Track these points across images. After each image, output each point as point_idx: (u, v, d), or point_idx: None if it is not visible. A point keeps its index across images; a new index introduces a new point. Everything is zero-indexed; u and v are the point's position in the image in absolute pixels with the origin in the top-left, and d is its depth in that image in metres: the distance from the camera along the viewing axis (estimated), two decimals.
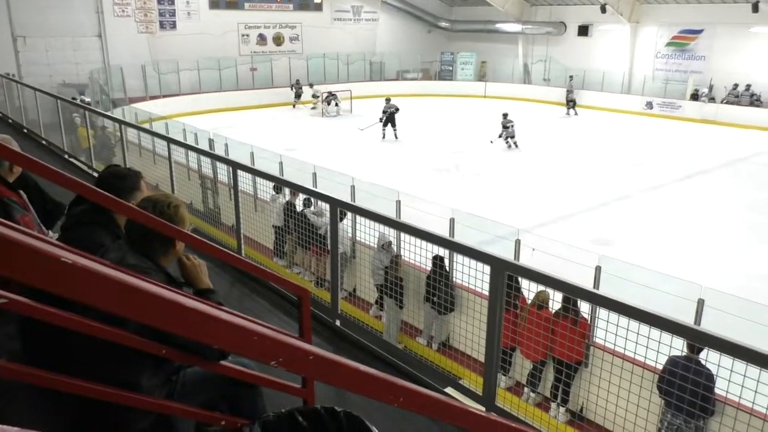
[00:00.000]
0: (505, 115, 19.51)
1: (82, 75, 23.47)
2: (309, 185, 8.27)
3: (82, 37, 24.53)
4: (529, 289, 4.38)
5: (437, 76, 35.03)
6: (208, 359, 2.16)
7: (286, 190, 8.31)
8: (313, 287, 7.30)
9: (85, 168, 9.81)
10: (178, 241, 2.37)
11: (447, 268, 5.90)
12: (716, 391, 4.18)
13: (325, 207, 5.28)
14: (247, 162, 9.53)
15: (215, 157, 8.05)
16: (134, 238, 2.31)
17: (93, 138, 10.89)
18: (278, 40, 30.70)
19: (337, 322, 4.81)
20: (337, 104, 25.71)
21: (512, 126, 19.22)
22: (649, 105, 26.89)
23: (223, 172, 8.20)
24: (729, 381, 2.78)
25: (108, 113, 13.19)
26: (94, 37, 24.99)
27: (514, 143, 19.29)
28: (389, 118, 20.48)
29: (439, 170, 16.47)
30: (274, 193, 8.52)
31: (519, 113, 26.95)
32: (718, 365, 2.86)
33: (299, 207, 7.90)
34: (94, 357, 1.97)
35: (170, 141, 7.68)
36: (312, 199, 7.82)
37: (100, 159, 10.40)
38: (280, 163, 11.51)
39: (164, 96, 25.00)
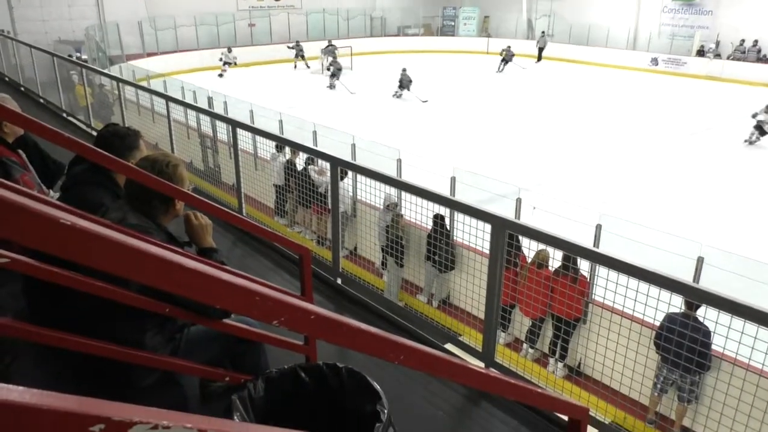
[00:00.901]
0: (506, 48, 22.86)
1: (77, 32, 23.09)
2: (309, 144, 8.22)
3: None
4: (530, 248, 4.40)
5: (439, 31, 34.41)
6: (211, 318, 2.19)
7: (287, 149, 8.27)
8: (315, 246, 7.34)
9: (83, 127, 9.74)
10: (178, 200, 2.37)
11: (447, 227, 5.92)
12: (713, 347, 4.25)
13: (326, 165, 5.26)
14: (246, 120, 9.44)
15: (214, 116, 7.98)
16: (134, 198, 2.30)
17: (91, 96, 10.78)
18: None
19: (339, 281, 4.84)
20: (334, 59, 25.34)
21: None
22: (655, 61, 26.48)
23: (222, 130, 8.15)
24: (726, 338, 2.82)
25: (105, 71, 13.01)
26: None
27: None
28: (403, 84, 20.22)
29: (438, 126, 16.35)
30: (274, 151, 8.48)
31: (527, 70, 26.70)
32: (716, 322, 2.89)
33: (300, 166, 7.87)
34: (97, 315, 1.99)
35: (168, 99, 7.59)
36: (314, 158, 7.78)
37: (99, 117, 10.32)
38: (280, 122, 11.41)
39: (162, 53, 24.63)
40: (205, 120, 8.90)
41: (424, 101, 19.38)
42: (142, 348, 2.09)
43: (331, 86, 21.78)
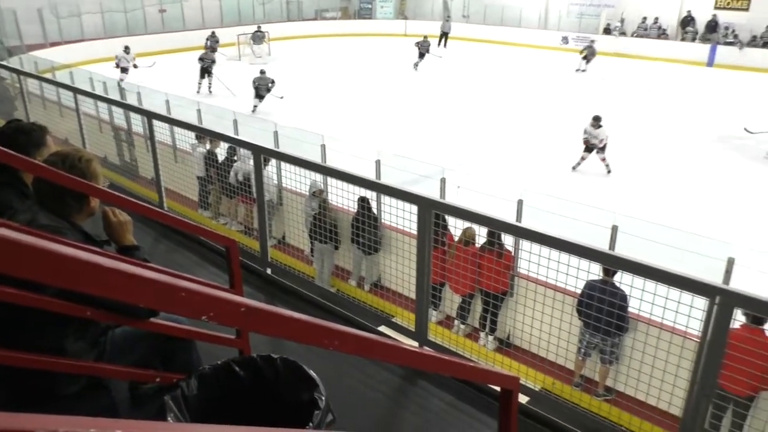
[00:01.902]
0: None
1: None
2: (230, 133, 8.02)
3: None
4: (456, 226, 4.49)
5: (357, 15, 34.24)
6: (137, 318, 2.11)
7: (207, 139, 8.05)
8: (242, 237, 7.21)
9: None
10: (93, 197, 2.26)
11: (373, 209, 5.96)
12: (630, 309, 4.50)
13: (248, 154, 5.16)
14: (162, 111, 9.10)
15: (128, 107, 7.65)
16: (44, 197, 2.18)
17: None
18: None
19: (268, 271, 4.79)
20: (260, 42, 24.65)
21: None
22: (565, 40, 27.43)
23: (137, 122, 7.82)
24: (641, 300, 2.99)
25: (3, 62, 12.16)
26: None
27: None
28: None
29: (363, 110, 16.34)
30: (194, 142, 8.23)
31: (441, 51, 27.00)
32: (631, 286, 3.07)
33: (221, 156, 7.68)
34: (12, 324, 1.88)
35: (77, 91, 7.20)
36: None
37: (0, 113, 9.66)
38: (198, 111, 11.07)
39: (66, 42, 23.23)
40: (119, 112, 8.51)
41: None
42: (64, 355, 2.00)
43: (199, 86, 18.89)
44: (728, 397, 4.51)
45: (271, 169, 6.46)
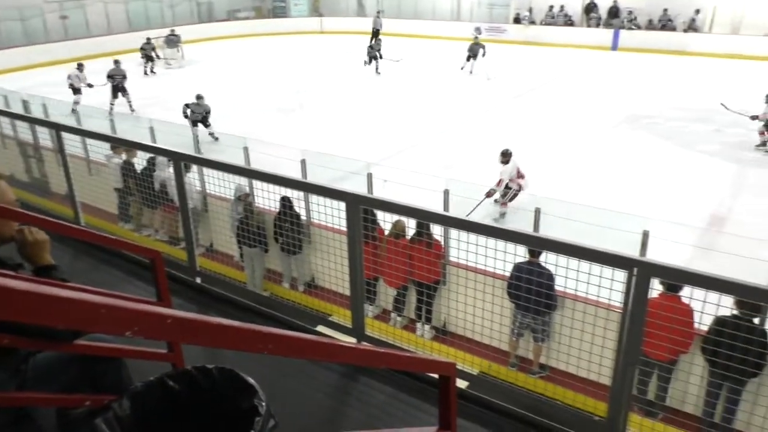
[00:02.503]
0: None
1: None
2: (147, 141, 7.74)
3: None
4: (385, 220, 4.52)
5: (271, 13, 33.77)
6: (59, 341, 2.01)
7: (123, 149, 7.75)
8: (168, 248, 6.99)
9: None
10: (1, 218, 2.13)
11: (294, 208, 5.95)
12: (557, 287, 4.68)
13: (167, 162, 5.00)
14: (72, 123, 8.68)
15: (33, 121, 7.23)
16: None
17: None
18: None
19: (198, 280, 4.67)
20: (174, 45, 23.82)
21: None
22: (478, 30, 28.04)
23: (45, 136, 7.43)
24: (566, 277, 3.11)
25: None
26: None
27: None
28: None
29: (284, 111, 16.15)
30: (110, 153, 7.90)
31: (358, 47, 27.06)
32: (556, 265, 3.19)
33: (139, 166, 7.42)
34: None
35: None
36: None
37: None
38: (111, 121, 10.64)
39: None
40: (23, 126, 8.04)
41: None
42: None
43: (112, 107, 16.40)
44: (652, 362, 4.78)
45: (192, 175, 6.30)
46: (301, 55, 25.46)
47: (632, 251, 4.18)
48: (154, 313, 0.92)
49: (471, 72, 20.28)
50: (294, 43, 28.68)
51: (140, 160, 7.45)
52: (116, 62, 16.43)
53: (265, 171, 4.01)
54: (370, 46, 21.87)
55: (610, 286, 2.95)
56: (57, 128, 5.52)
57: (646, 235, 5.90)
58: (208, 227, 7.27)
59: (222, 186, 5.08)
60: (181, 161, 4.42)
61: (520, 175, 9.35)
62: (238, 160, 7.56)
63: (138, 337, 0.90)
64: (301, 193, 5.59)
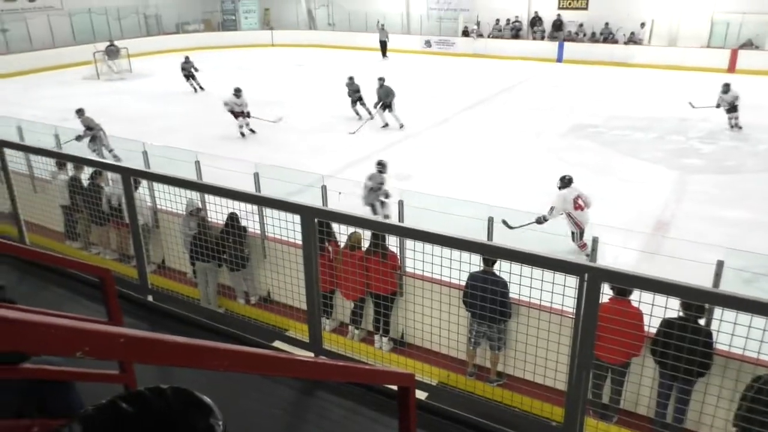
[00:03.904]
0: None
1: None
2: (94, 156, 7.53)
3: None
4: (341, 233, 4.52)
5: (220, 26, 33.47)
6: (3, 364, 1.93)
7: (69, 165, 7.52)
8: (118, 265, 6.81)
9: None
10: None
11: (241, 222, 5.91)
12: (511, 295, 4.75)
13: (116, 177, 4.87)
14: (14, 138, 8.38)
15: None
16: None
17: None
18: None
19: (150, 298, 4.54)
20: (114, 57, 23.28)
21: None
22: (428, 43, 28.50)
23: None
24: (520, 285, 3.17)
25: None
26: None
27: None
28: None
29: (235, 125, 15.96)
30: (54, 169, 7.65)
31: (309, 60, 27.05)
32: (510, 272, 3.24)
33: (86, 181, 7.20)
34: None
35: None
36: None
37: None
38: (56, 136, 10.30)
39: None
40: None
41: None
42: None
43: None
44: (605, 366, 4.90)
45: (142, 191, 6.15)
46: (252, 68, 25.26)
47: (582, 257, 4.29)
48: (106, 332, 0.90)
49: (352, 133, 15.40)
50: (245, 55, 28.45)
51: (87, 176, 7.25)
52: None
53: (217, 185, 3.95)
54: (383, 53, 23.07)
55: (562, 293, 3.02)
56: None
57: (595, 241, 6.06)
58: (159, 243, 7.10)
59: (173, 201, 4.98)
60: (130, 176, 4.32)
61: (578, 206, 8.18)
62: (190, 175, 7.43)
63: (89, 357, 0.87)
64: (255, 207, 5.53)
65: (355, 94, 16.48)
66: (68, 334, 0.83)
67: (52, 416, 2.11)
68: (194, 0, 32.46)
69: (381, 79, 15.75)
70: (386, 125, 15.70)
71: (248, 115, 14.95)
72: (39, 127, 10.63)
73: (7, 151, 5.27)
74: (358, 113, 16.43)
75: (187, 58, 20.76)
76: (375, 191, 8.86)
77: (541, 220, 7.93)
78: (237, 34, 32.14)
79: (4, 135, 6.87)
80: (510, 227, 7.64)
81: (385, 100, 15.47)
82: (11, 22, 25.32)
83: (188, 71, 20.55)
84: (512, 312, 5.05)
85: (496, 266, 5.01)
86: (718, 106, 14.74)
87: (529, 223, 7.75)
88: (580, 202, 8.18)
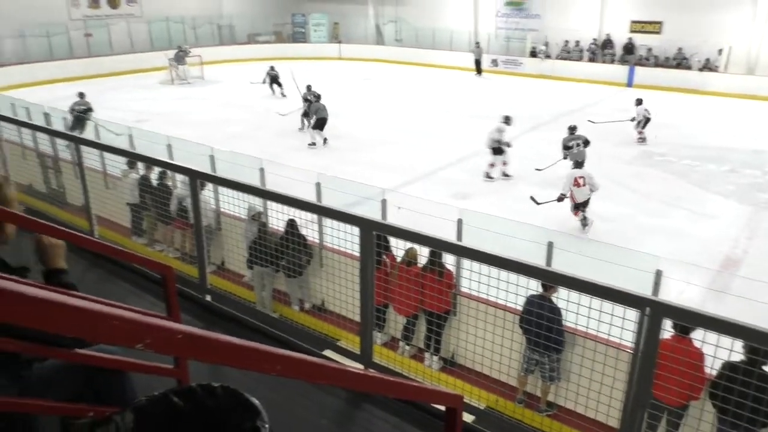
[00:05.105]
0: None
1: None
2: (164, 157, 7.82)
3: None
4: (398, 247, 4.50)
5: (291, 38, 34.32)
6: (64, 347, 2.00)
7: (140, 165, 7.83)
8: (179, 264, 7.01)
9: None
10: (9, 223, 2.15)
11: (299, 231, 5.97)
12: (567, 324, 4.61)
13: (184, 179, 5.03)
14: (91, 136, 8.80)
15: (54, 133, 7.34)
16: None
17: None
18: (114, 2, 28.21)
19: (208, 297, 4.66)
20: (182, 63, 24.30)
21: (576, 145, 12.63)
22: (495, 62, 28.34)
23: (64, 148, 7.53)
24: (577, 314, 3.07)
25: None
26: None
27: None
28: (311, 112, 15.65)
29: (302, 135, 16.28)
30: (126, 168, 7.98)
31: (376, 74, 27.37)
32: (567, 300, 3.15)
33: (155, 181, 7.48)
34: None
35: None
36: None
37: None
38: (130, 136, 10.76)
39: None
40: (44, 138, 8.16)
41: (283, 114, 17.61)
42: None
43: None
44: (662, 406, 4.67)
45: (207, 193, 6.34)
46: (319, 80, 25.76)
47: (645, 290, 4.12)
48: (166, 327, 0.91)
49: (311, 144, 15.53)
50: (313, 67, 29.06)
51: (156, 176, 7.53)
52: (80, 95, 15.05)
53: (279, 192, 4.02)
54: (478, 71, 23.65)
55: (621, 325, 2.90)
56: (77, 141, 5.60)
57: (659, 275, 5.82)
58: (220, 245, 7.28)
59: (236, 205, 5.10)
60: (197, 179, 4.45)
61: (576, 183, 9.88)
62: (254, 180, 7.60)
63: (148, 350, 0.89)
64: (315, 216, 5.60)
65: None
66: (132, 326, 0.85)
67: (107, 404, 2.18)
68: (266, 12, 33.42)
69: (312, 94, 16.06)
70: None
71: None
72: (113, 127, 11.15)
73: (84, 149, 5.54)
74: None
75: (272, 66, 22.32)
76: (496, 139, 12.15)
77: (561, 197, 9.84)
78: (306, 47, 32.87)
79: (84, 133, 7.24)
80: (537, 203, 9.99)
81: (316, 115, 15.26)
82: (95, 27, 26.76)
83: (274, 77, 21.94)
84: (568, 341, 4.91)
85: (557, 293, 4.88)
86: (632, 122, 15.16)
87: (552, 201, 9.87)
88: (579, 180, 9.90)
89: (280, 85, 21.89)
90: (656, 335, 2.68)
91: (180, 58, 24.50)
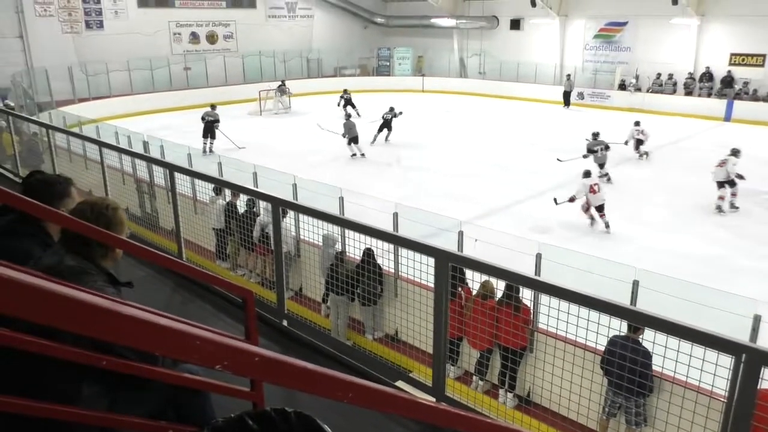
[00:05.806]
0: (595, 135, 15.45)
1: (3, 78, 22.32)
2: (250, 185, 8.14)
3: (2, 38, 23.35)
4: (473, 279, 4.45)
5: (375, 71, 35.13)
6: (148, 363, 2.09)
7: (227, 191, 8.17)
8: (259, 288, 7.21)
9: (10, 176, 9.35)
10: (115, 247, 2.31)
11: (376, 261, 5.98)
12: (654, 368, 4.37)
13: (267, 206, 5.21)
14: (184, 164, 9.29)
15: (151, 160, 7.83)
16: (71, 241, 2.25)
17: (18, 144, 10.38)
18: (212, 38, 30.09)
19: (285, 323, 4.76)
20: (284, 94, 25.85)
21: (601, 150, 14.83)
22: (581, 95, 27.73)
23: (159, 175, 7.98)
24: (664, 357, 2.91)
25: (33, 117, 12.58)
26: (15, 38, 23.82)
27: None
28: (386, 124, 19.60)
29: (381, 165, 16.52)
30: (213, 194, 8.35)
31: (458, 106, 27.45)
32: (654, 342, 2.99)
33: (241, 208, 7.78)
34: (26, 370, 1.88)
35: (102, 145, 7.40)
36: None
37: (28, 166, 9.92)
38: (219, 164, 11.29)
39: (93, 98, 24.03)
40: (141, 165, 8.70)
41: (322, 127, 19.13)
42: (78, 399, 1.97)
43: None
44: None
45: (288, 221, 6.52)
46: (403, 109, 26.15)
47: (741, 336, 3.86)
48: (245, 350, 0.94)
49: None
50: (397, 100, 29.53)
51: (242, 203, 7.83)
52: (212, 106, 19.13)
53: (357, 221, 4.09)
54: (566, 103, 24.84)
55: (713, 372, 2.73)
56: (170, 168, 5.93)
57: (757, 320, 5.44)
58: (298, 272, 7.44)
59: (314, 232, 5.22)
60: (279, 206, 4.60)
61: (592, 190, 11.34)
62: (333, 209, 7.76)
63: (226, 371, 0.92)
64: (391, 246, 5.63)
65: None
66: (213, 346, 0.88)
67: (187, 422, 2.25)
68: (352, 46, 34.44)
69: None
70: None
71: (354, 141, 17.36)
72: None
73: (177, 175, 5.86)
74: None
75: (346, 90, 24.94)
76: (732, 172, 12.53)
77: (573, 199, 11.49)
78: (390, 79, 33.51)
79: (175, 160, 7.66)
80: (557, 203, 11.74)
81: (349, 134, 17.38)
82: (194, 62, 28.52)
83: (347, 100, 23.94)
84: (654, 386, 4.64)
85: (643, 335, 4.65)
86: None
87: (565, 201, 11.49)
88: (594, 188, 11.36)
89: (354, 106, 23.30)
90: (754, 385, 2.51)
91: (283, 91, 26.03)
